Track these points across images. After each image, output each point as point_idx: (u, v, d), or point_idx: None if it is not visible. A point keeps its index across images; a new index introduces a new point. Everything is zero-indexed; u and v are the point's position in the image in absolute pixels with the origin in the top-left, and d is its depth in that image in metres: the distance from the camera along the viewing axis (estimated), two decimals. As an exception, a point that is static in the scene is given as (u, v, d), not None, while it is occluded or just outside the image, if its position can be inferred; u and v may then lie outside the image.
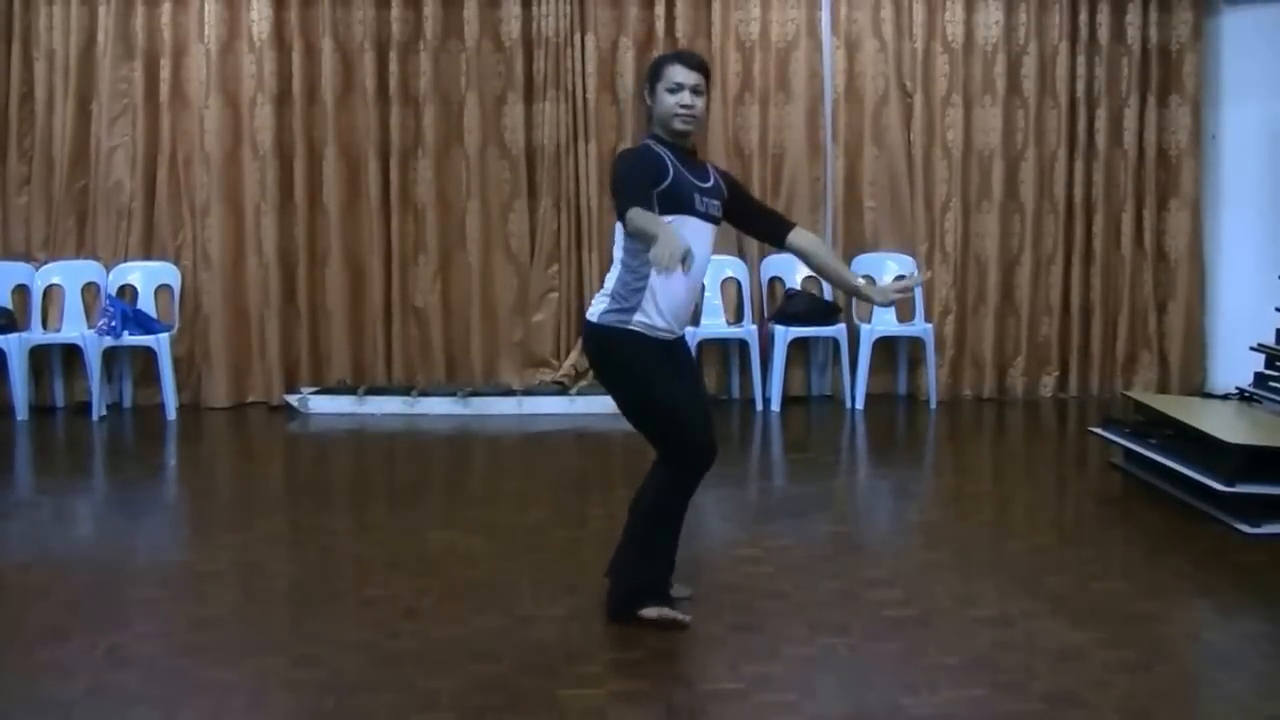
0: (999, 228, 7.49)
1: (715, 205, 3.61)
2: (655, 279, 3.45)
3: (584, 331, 3.65)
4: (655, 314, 3.50)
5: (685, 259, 3.05)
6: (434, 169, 7.35)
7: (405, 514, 5.05)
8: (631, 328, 3.49)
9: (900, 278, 3.82)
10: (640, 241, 3.31)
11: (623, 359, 3.53)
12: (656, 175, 3.44)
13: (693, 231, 3.45)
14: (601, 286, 3.61)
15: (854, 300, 7.44)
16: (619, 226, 3.48)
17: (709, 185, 3.60)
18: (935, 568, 4.24)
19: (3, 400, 6.99)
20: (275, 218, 7.27)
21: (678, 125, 3.52)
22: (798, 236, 3.78)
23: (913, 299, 7.34)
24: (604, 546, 4.10)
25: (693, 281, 3.54)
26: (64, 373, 7.25)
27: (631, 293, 3.49)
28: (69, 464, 6.34)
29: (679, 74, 3.50)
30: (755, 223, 3.86)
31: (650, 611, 3.60)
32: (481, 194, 7.40)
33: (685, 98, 3.50)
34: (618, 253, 3.56)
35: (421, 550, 4.47)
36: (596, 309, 3.56)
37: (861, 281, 3.86)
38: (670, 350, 3.58)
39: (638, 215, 3.23)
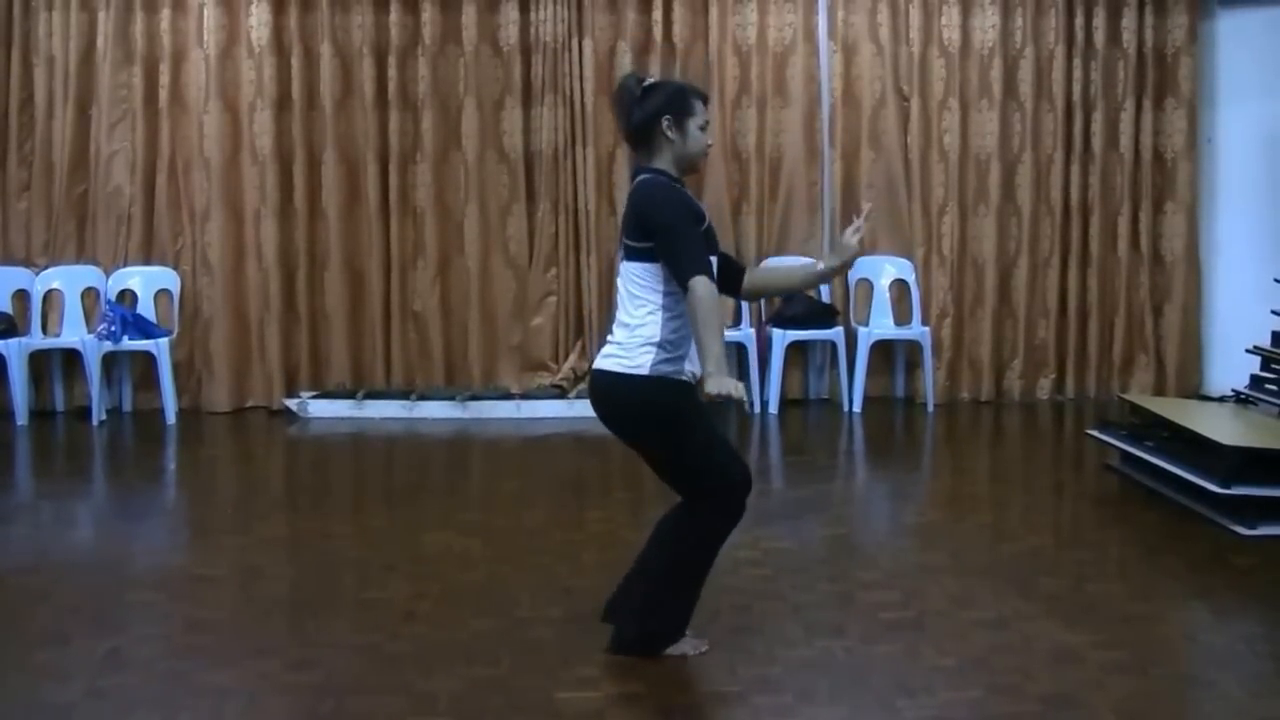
0: (996, 231, 7.50)
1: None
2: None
3: (624, 385, 3.28)
4: (695, 358, 3.29)
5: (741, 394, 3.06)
6: (432, 173, 7.37)
7: (404, 517, 5.06)
8: (683, 378, 3.29)
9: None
10: (694, 325, 3.16)
11: (681, 411, 3.30)
12: (699, 219, 3.31)
13: (714, 269, 3.32)
14: (621, 335, 3.32)
15: (851, 302, 7.47)
16: (643, 268, 3.28)
17: (706, 225, 3.43)
18: (932, 570, 4.25)
19: (3, 405, 6.99)
20: (275, 222, 7.29)
21: (700, 165, 3.50)
22: (748, 281, 3.61)
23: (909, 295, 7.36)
24: (602, 549, 4.13)
25: None
26: (64, 377, 7.26)
27: (681, 340, 3.27)
28: (69, 468, 6.36)
29: (704, 112, 3.40)
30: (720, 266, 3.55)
31: (675, 649, 3.44)
32: (480, 198, 7.41)
33: (710, 136, 3.44)
34: (653, 297, 3.27)
35: (420, 553, 4.48)
36: (642, 360, 3.25)
37: (820, 265, 3.61)
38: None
39: (706, 296, 3.11)
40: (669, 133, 3.33)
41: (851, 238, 3.50)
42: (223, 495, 5.70)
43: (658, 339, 3.26)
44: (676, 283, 3.20)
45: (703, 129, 3.37)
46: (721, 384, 3.02)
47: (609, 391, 3.35)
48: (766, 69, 7.41)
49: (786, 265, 3.70)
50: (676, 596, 3.43)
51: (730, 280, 3.55)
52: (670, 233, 3.21)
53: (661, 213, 3.24)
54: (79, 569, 4.37)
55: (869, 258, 7.47)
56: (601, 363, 3.35)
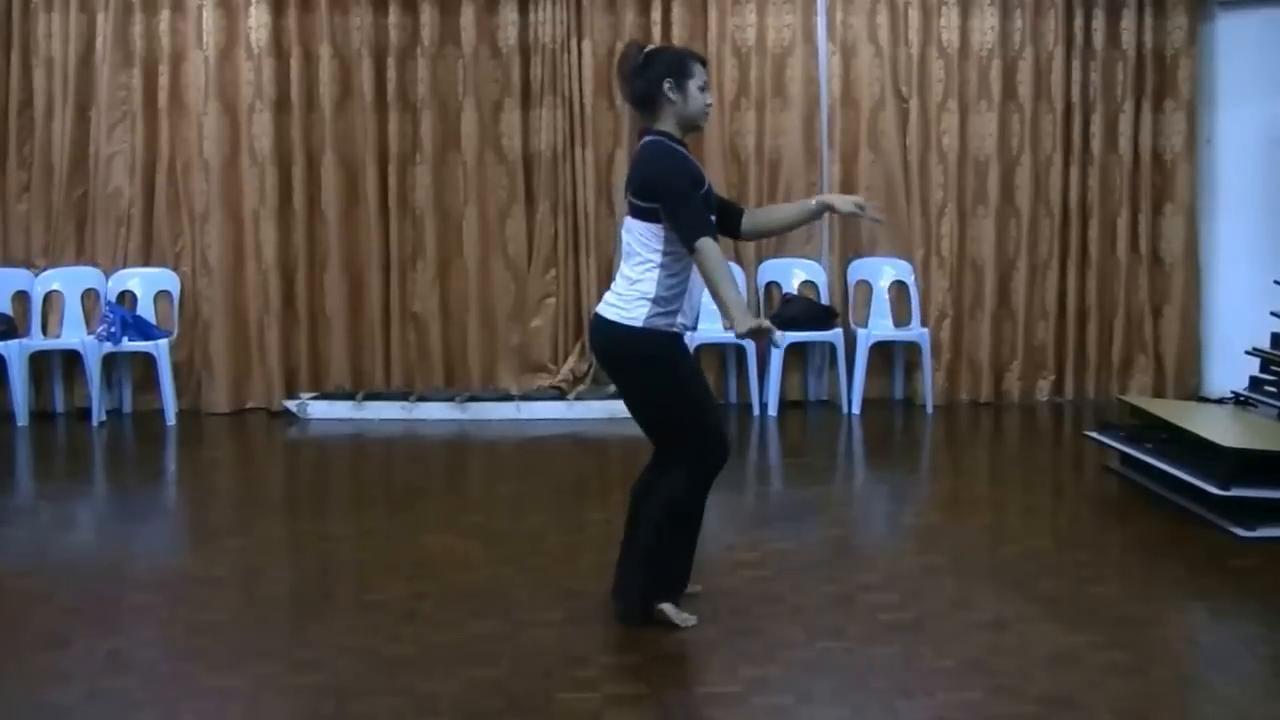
0: (995, 232, 7.50)
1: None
2: (695, 279, 3.53)
3: (618, 334, 3.54)
4: (690, 311, 3.59)
5: (772, 333, 3.30)
6: (432, 175, 7.37)
7: (403, 519, 5.07)
8: (675, 329, 3.55)
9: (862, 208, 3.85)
10: (704, 281, 3.44)
11: (669, 361, 3.56)
12: (699, 184, 3.52)
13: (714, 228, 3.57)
14: (621, 285, 3.56)
15: (850, 304, 7.48)
16: (645, 226, 3.51)
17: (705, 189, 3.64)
18: (931, 571, 4.26)
19: (3, 406, 6.99)
20: (274, 224, 7.29)
21: (702, 123, 3.65)
22: (746, 220, 3.84)
23: (908, 304, 7.37)
24: (601, 550, 4.13)
25: None
26: (64, 379, 7.26)
27: (675, 296, 3.52)
28: (69, 470, 6.36)
29: (703, 73, 3.60)
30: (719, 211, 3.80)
31: (667, 606, 3.66)
32: (479, 199, 7.42)
33: (709, 96, 3.63)
34: (652, 255, 3.50)
35: (420, 555, 4.49)
36: (636, 313, 3.49)
37: (813, 202, 3.84)
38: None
39: (712, 256, 3.37)
40: (671, 95, 3.55)
41: (847, 202, 3.78)
42: (223, 497, 5.70)
43: (653, 294, 3.50)
44: (683, 245, 3.43)
45: (702, 89, 3.58)
46: (748, 322, 3.30)
47: (608, 337, 3.61)
48: (765, 70, 7.42)
49: (781, 207, 4.00)
50: (666, 556, 3.66)
51: (729, 222, 3.79)
52: (675, 198, 3.45)
53: (666, 178, 3.47)
54: (79, 571, 4.37)
55: (868, 259, 7.49)
56: (602, 309, 3.61)
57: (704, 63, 3.64)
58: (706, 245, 3.37)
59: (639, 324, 3.49)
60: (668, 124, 3.57)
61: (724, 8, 7.36)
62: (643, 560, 3.65)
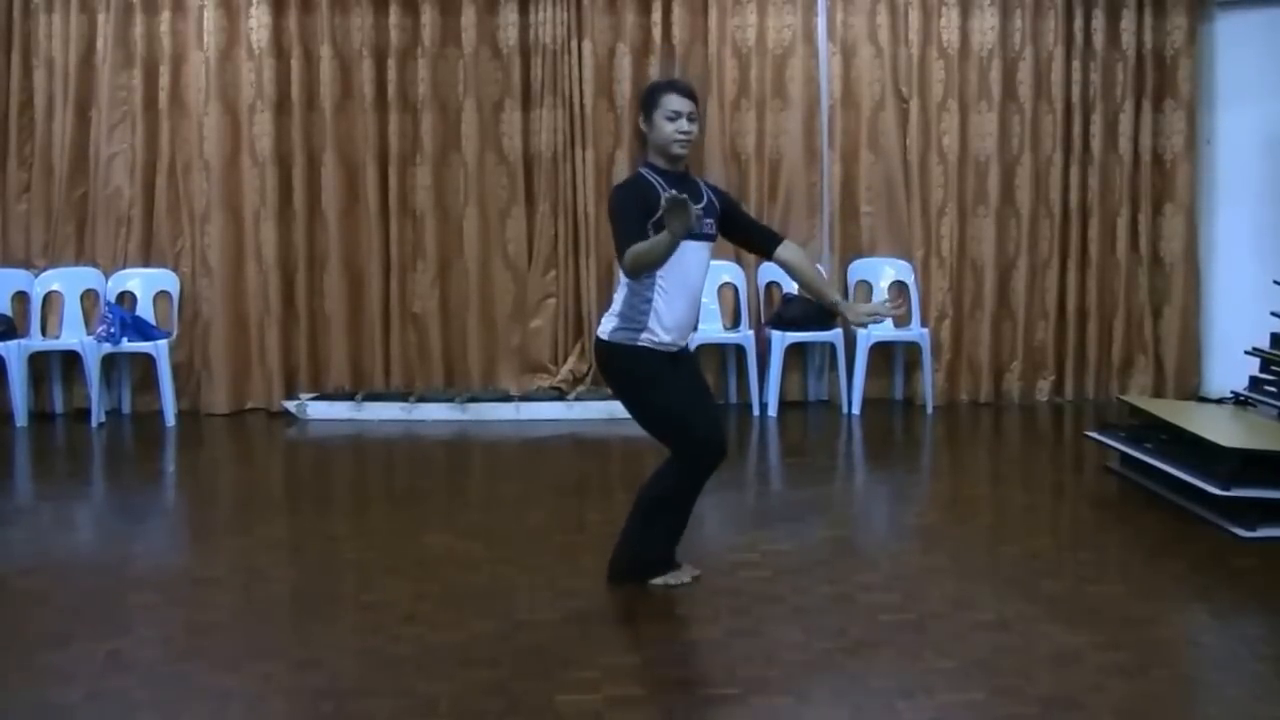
0: (995, 232, 7.51)
1: (709, 224, 3.83)
2: (658, 299, 3.73)
3: (596, 349, 3.93)
4: (660, 330, 3.76)
5: (689, 211, 3.43)
6: (432, 175, 7.37)
7: (404, 519, 5.06)
8: (639, 344, 3.76)
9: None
10: (650, 268, 3.62)
11: (631, 371, 3.81)
12: (650, 207, 3.62)
13: (691, 252, 3.70)
14: (609, 307, 3.87)
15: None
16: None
17: (702, 205, 3.79)
18: (932, 572, 4.26)
19: (2, 406, 7.00)
20: (274, 224, 7.29)
21: (676, 150, 3.75)
22: (784, 250, 3.99)
23: (907, 310, 7.36)
24: (602, 550, 4.13)
25: (693, 298, 3.83)
26: (63, 379, 7.26)
27: (638, 313, 3.75)
28: (69, 470, 6.36)
29: (675, 102, 3.72)
30: (746, 236, 4.08)
31: (659, 580, 3.94)
32: (479, 200, 7.42)
33: (683, 125, 3.72)
34: (622, 276, 3.77)
35: (420, 555, 4.49)
36: (607, 327, 3.82)
37: (839, 298, 4.05)
38: (675, 360, 3.86)
39: (632, 252, 3.57)
40: (643, 127, 3.80)
41: (868, 315, 3.97)
42: (223, 497, 5.70)
43: (618, 310, 3.80)
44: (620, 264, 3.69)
45: (671, 119, 3.72)
46: (678, 230, 3.44)
47: (595, 353, 3.97)
48: (766, 71, 7.42)
49: (818, 272, 4.50)
50: (650, 525, 3.90)
51: (759, 243, 4.04)
52: (613, 225, 3.74)
53: (610, 209, 3.78)
54: (79, 571, 4.37)
55: (868, 259, 7.50)
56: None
57: (688, 93, 3.75)
58: (628, 253, 3.58)
59: (605, 336, 3.81)
60: (649, 155, 3.80)
61: (724, 8, 7.36)
62: (638, 534, 3.90)
